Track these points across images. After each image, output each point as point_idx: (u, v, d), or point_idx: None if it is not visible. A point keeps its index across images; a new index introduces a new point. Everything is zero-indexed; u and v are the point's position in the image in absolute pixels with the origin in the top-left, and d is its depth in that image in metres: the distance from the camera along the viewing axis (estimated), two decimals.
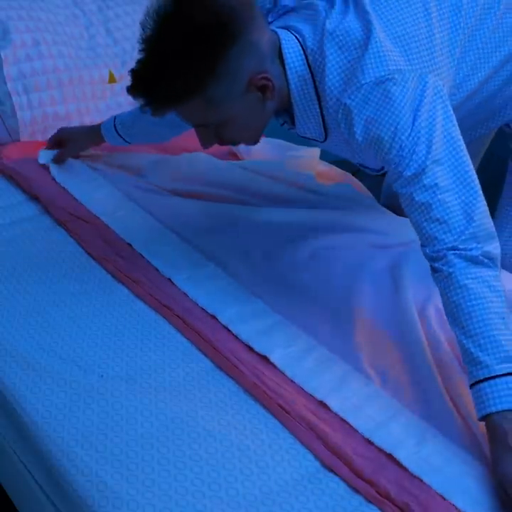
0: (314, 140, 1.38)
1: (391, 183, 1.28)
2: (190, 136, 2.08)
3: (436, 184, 1.20)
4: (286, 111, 1.34)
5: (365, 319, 1.40)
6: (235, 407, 1.21)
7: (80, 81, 2.07)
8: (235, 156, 2.04)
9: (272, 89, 1.23)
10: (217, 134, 1.28)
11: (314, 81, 1.26)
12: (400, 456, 1.12)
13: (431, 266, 1.24)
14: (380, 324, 1.39)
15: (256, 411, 1.20)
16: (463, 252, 1.19)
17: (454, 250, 1.19)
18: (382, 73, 1.21)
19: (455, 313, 1.18)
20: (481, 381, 1.12)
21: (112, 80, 2.12)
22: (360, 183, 1.99)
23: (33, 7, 2.07)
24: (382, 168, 1.34)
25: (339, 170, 2.04)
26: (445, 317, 1.33)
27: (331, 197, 1.80)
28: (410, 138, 1.20)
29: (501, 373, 1.11)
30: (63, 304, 1.44)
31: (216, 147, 2.03)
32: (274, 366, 1.28)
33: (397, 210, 1.81)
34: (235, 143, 1.35)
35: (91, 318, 1.40)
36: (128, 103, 2.19)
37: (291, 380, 1.26)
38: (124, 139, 1.81)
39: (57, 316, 1.40)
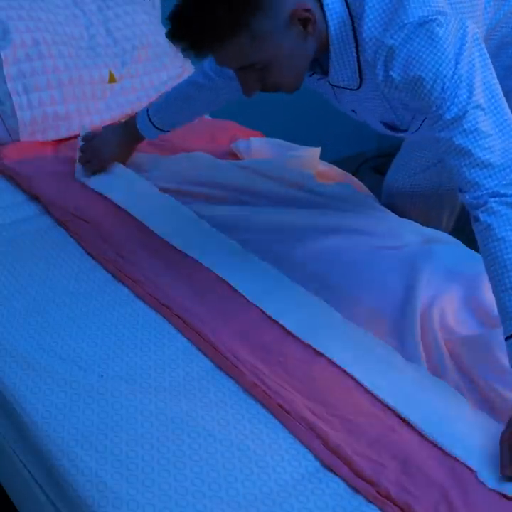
0: (346, 89, 1.35)
1: (431, 126, 1.25)
2: (190, 137, 2.10)
3: (476, 129, 1.19)
4: (317, 60, 1.32)
5: (366, 319, 1.41)
6: (235, 407, 1.21)
7: (80, 81, 2.07)
8: (235, 156, 2.04)
9: (313, 23, 1.21)
10: (260, 77, 1.25)
11: (353, 23, 1.24)
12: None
13: (471, 215, 1.23)
14: (381, 324, 1.39)
15: (256, 411, 1.20)
16: (503, 198, 1.18)
17: (495, 196, 1.18)
18: (426, 14, 1.19)
19: (492, 265, 1.17)
20: None
21: (111, 79, 2.12)
22: (360, 183, 1.99)
23: (33, 7, 2.07)
24: (412, 120, 1.34)
25: (339, 170, 2.04)
26: (447, 319, 1.33)
27: (331, 197, 1.80)
28: (452, 80, 1.18)
29: None
30: (63, 304, 1.44)
31: (216, 147, 2.07)
32: (274, 364, 1.28)
33: (398, 210, 1.82)
34: (277, 88, 1.31)
35: (91, 318, 1.40)
36: (128, 103, 2.19)
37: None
38: (161, 130, 1.79)
39: (57, 316, 1.40)
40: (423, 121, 1.36)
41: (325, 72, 1.35)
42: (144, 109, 1.80)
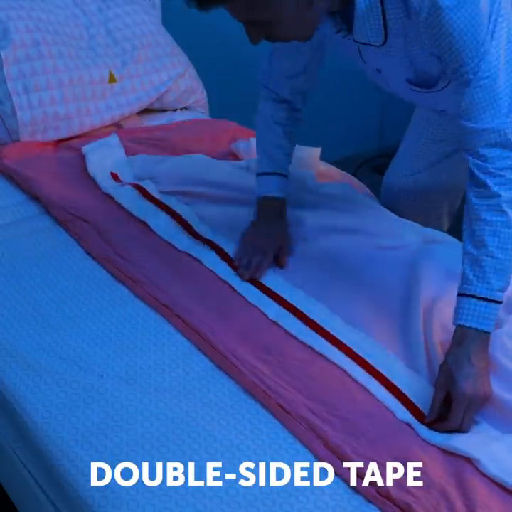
0: (371, 45, 1.35)
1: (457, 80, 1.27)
2: (190, 137, 2.10)
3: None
4: (341, 16, 1.32)
5: (366, 319, 1.40)
6: (235, 407, 1.21)
7: (80, 81, 2.07)
8: (235, 156, 2.04)
9: None
10: (267, 30, 1.26)
11: None
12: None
13: (479, 180, 1.26)
14: (384, 324, 1.39)
15: (256, 411, 1.20)
16: None
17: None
18: None
19: (482, 230, 1.24)
20: (480, 298, 1.22)
21: (112, 80, 2.12)
22: (360, 183, 1.99)
23: (33, 7, 2.07)
24: (440, 76, 1.35)
25: (339, 170, 2.04)
26: (447, 320, 1.33)
27: (331, 197, 1.79)
28: (486, 38, 1.21)
29: (496, 299, 1.23)
30: (63, 304, 1.44)
31: (216, 147, 2.07)
32: (274, 364, 1.28)
33: (397, 210, 1.82)
34: (286, 40, 1.33)
35: (91, 318, 1.40)
36: (128, 103, 2.19)
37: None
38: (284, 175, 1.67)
39: (57, 316, 1.40)
40: (450, 81, 1.36)
41: (349, 29, 1.34)
42: (263, 187, 1.65)
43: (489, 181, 1.25)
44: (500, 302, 1.24)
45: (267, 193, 1.64)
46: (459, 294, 1.26)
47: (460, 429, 1.18)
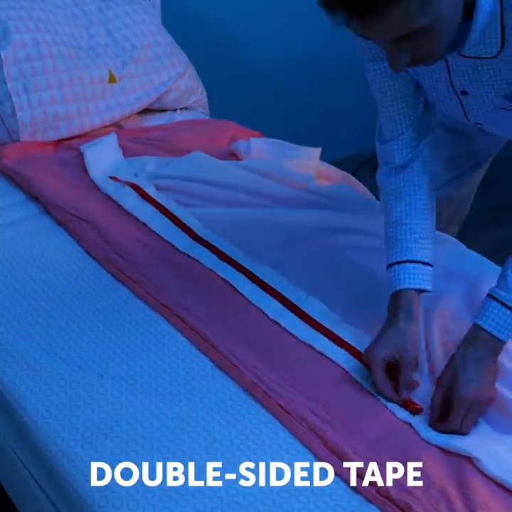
0: (483, 58, 1.22)
1: None
2: (190, 137, 2.10)
3: None
4: None
5: (367, 319, 1.40)
6: (235, 407, 1.21)
7: (80, 81, 2.07)
8: (235, 156, 2.04)
9: None
10: (416, 46, 1.10)
11: None
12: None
13: None
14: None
15: (256, 411, 1.20)
16: None
17: None
18: None
19: None
20: (510, 308, 1.19)
21: (112, 80, 2.12)
22: (360, 184, 1.99)
23: (33, 7, 2.07)
24: None
25: (339, 170, 2.04)
26: (447, 320, 1.33)
27: (331, 197, 1.79)
28: None
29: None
30: (63, 304, 1.44)
31: (216, 147, 2.07)
32: (274, 364, 1.28)
33: None
34: (428, 58, 1.16)
35: (91, 318, 1.40)
36: (128, 103, 2.19)
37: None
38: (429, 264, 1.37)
39: (57, 316, 1.40)
40: None
41: (457, 44, 1.19)
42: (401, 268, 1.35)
43: None
44: None
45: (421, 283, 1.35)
46: (491, 296, 1.22)
47: (460, 431, 1.17)
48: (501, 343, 1.21)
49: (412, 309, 1.31)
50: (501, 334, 1.20)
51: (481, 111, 1.35)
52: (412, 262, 1.33)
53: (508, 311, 1.20)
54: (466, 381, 1.18)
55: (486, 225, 2.81)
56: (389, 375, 1.25)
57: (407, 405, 1.21)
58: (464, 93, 1.32)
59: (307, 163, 1.96)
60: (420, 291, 1.33)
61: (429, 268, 1.35)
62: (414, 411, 1.20)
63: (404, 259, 1.34)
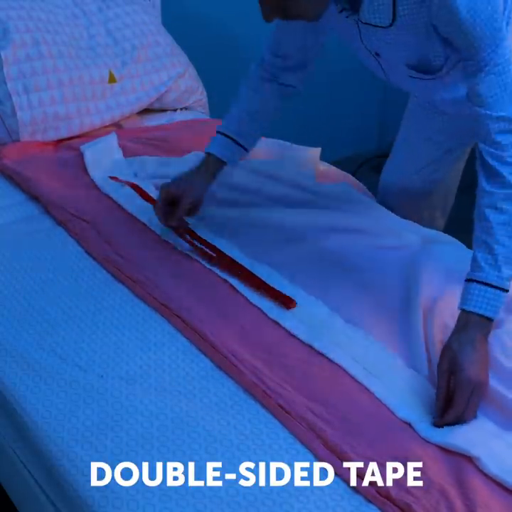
0: (376, 26, 1.34)
1: (465, 68, 1.27)
2: (190, 137, 2.10)
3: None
4: None
5: (367, 319, 1.40)
6: (235, 407, 1.21)
7: (80, 81, 2.07)
8: None
9: None
10: (281, 7, 1.27)
11: None
12: None
13: (492, 169, 1.26)
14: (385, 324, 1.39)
15: (256, 411, 1.20)
16: None
17: None
18: None
19: (497, 219, 1.25)
20: (490, 285, 1.23)
21: (112, 80, 2.12)
22: (360, 184, 1.99)
23: (33, 7, 2.07)
24: (445, 61, 1.35)
25: (339, 170, 2.04)
26: (447, 320, 1.33)
27: (330, 197, 1.80)
28: (502, 25, 1.21)
29: (505, 288, 1.23)
30: (63, 304, 1.44)
31: None
32: (273, 363, 1.28)
33: (393, 209, 1.82)
34: (298, 17, 1.31)
35: (91, 318, 1.40)
36: (128, 103, 2.19)
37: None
38: (243, 147, 1.64)
39: (57, 316, 1.40)
40: (456, 64, 1.35)
41: (355, 9, 1.33)
42: (221, 143, 1.64)
43: (504, 171, 1.26)
44: (507, 291, 1.25)
45: (227, 156, 1.64)
46: (468, 280, 1.26)
47: (465, 416, 1.17)
48: (491, 321, 1.24)
49: (206, 168, 1.62)
50: (489, 312, 1.23)
51: (393, 74, 1.49)
52: (223, 134, 1.64)
53: (489, 288, 1.23)
54: (467, 363, 1.20)
55: None
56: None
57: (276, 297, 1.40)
58: (377, 55, 1.44)
59: (307, 163, 1.96)
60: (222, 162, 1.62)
61: (229, 140, 1.63)
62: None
63: (221, 130, 1.64)
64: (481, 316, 1.23)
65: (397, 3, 1.27)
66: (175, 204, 1.59)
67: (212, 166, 1.64)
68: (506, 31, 1.23)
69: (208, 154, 1.64)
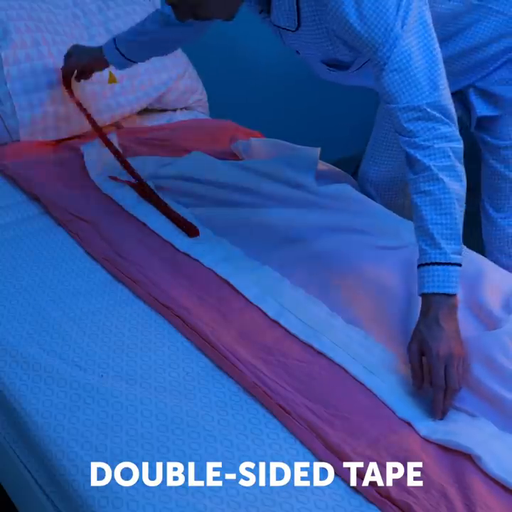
0: (286, 30, 1.43)
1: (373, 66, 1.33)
2: (190, 137, 2.10)
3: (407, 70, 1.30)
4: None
5: (367, 319, 1.41)
6: (235, 407, 1.21)
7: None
8: (235, 156, 2.04)
9: None
10: (193, 10, 1.35)
11: None
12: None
13: (410, 157, 1.31)
14: (384, 323, 1.39)
15: (256, 411, 1.20)
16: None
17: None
18: None
19: (424, 201, 1.29)
20: (436, 263, 1.27)
21: (112, 80, 2.12)
22: (357, 184, 1.99)
23: (33, 7, 2.07)
24: (354, 60, 1.43)
25: (339, 170, 2.04)
26: None
27: (331, 197, 1.79)
28: (396, 20, 1.27)
29: (452, 262, 1.28)
30: (63, 304, 1.44)
31: (216, 147, 2.07)
32: (272, 363, 1.28)
33: (394, 209, 1.83)
34: (209, 19, 1.42)
35: (91, 318, 1.40)
36: (128, 103, 2.19)
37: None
38: (125, 57, 1.87)
39: (57, 316, 1.40)
40: (365, 63, 1.43)
41: (269, 11, 1.42)
42: (113, 38, 1.89)
43: (419, 155, 1.30)
44: (457, 264, 1.28)
45: (109, 55, 1.89)
46: (418, 267, 1.30)
47: (450, 388, 1.21)
48: (452, 297, 1.27)
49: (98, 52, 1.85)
50: (444, 288, 1.26)
51: (315, 68, 1.58)
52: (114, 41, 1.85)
53: (437, 266, 1.27)
54: (435, 341, 1.23)
55: None
56: None
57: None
58: (298, 52, 1.55)
59: (307, 163, 1.96)
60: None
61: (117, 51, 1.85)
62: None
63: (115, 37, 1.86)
64: (439, 294, 1.26)
65: (301, 9, 1.36)
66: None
67: (100, 53, 1.91)
68: (402, 30, 1.27)
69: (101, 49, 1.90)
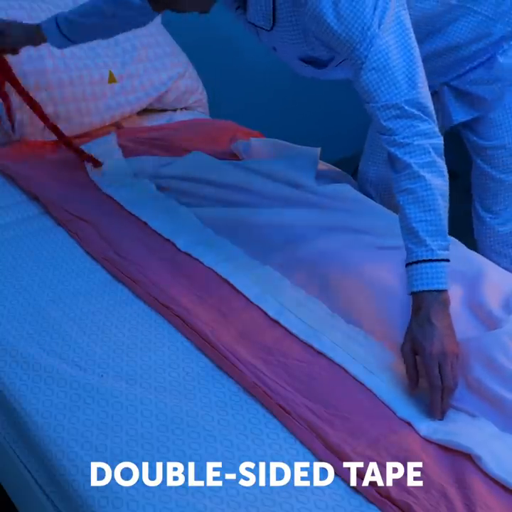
0: (261, 28, 1.44)
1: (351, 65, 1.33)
2: (190, 137, 2.10)
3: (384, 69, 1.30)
4: None
5: (367, 319, 1.41)
6: (235, 407, 1.21)
7: (80, 81, 2.07)
8: (235, 156, 2.04)
9: None
10: (168, 2, 1.37)
11: None
12: None
13: (391, 155, 1.32)
14: (384, 323, 1.39)
15: (256, 411, 1.20)
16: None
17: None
18: None
19: (406, 199, 1.29)
20: (423, 261, 1.27)
21: (112, 80, 2.12)
22: (357, 183, 1.99)
23: (33, 7, 2.07)
24: (331, 59, 1.44)
25: (339, 170, 2.04)
26: None
27: (331, 197, 1.79)
28: (373, 19, 1.27)
29: (439, 258, 1.27)
30: (63, 304, 1.44)
31: (216, 147, 2.07)
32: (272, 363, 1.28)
33: (393, 209, 1.83)
34: (185, 11, 1.42)
35: (91, 318, 1.40)
36: (128, 103, 2.19)
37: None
38: (66, 38, 1.79)
39: (57, 316, 1.40)
40: (342, 61, 1.43)
41: (244, 8, 1.42)
42: (53, 16, 1.80)
43: (399, 153, 1.30)
44: (445, 260, 1.27)
45: (50, 35, 1.79)
46: (406, 267, 1.30)
47: (446, 386, 1.20)
48: (443, 292, 1.26)
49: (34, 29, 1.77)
50: (434, 285, 1.26)
51: (292, 65, 1.58)
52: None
53: (424, 263, 1.26)
54: (427, 340, 1.23)
55: None
56: None
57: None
58: (274, 49, 1.54)
59: (307, 163, 1.95)
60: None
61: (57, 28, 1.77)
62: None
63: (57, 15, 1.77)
64: (429, 291, 1.26)
65: (277, 9, 1.36)
66: None
67: (37, 31, 1.80)
68: (379, 29, 1.27)
69: (39, 27, 1.80)
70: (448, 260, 1.28)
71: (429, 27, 1.58)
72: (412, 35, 1.32)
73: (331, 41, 1.32)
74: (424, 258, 1.27)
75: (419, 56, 1.32)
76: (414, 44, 1.32)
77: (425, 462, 1.11)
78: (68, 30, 1.77)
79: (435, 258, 1.27)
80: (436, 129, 1.32)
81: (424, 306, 1.26)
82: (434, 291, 1.26)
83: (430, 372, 1.21)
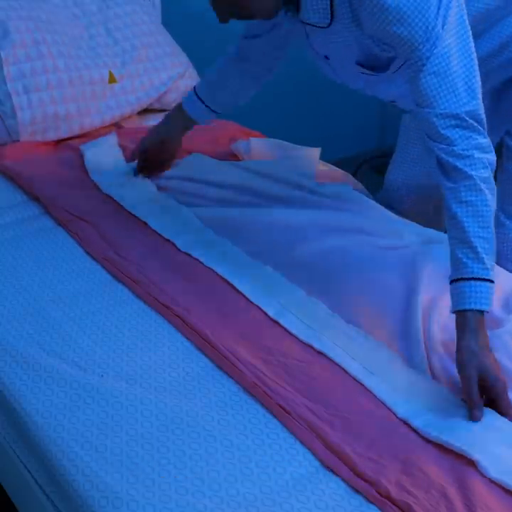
0: (316, 26, 1.38)
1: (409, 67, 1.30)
2: (190, 137, 2.11)
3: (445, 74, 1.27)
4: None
5: (367, 319, 1.41)
6: (235, 407, 1.21)
7: (80, 81, 2.07)
8: (235, 157, 2.04)
9: None
10: (233, 9, 1.33)
11: None
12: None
13: (448, 164, 1.28)
14: (383, 322, 1.39)
15: (256, 411, 1.20)
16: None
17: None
18: None
19: (465, 212, 1.25)
20: (478, 279, 1.23)
21: (112, 80, 2.12)
22: (359, 183, 1.99)
23: (33, 7, 2.07)
24: (391, 61, 1.38)
25: (339, 170, 2.04)
26: (447, 320, 1.33)
27: (331, 197, 1.80)
28: (436, 23, 1.24)
29: (491, 279, 1.24)
30: (63, 304, 1.44)
31: (216, 147, 2.07)
32: (272, 362, 1.28)
33: (393, 205, 1.83)
34: (251, 17, 1.38)
35: (91, 318, 1.40)
36: (128, 103, 2.19)
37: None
38: (211, 109, 1.76)
39: (57, 316, 1.40)
40: (402, 64, 1.38)
41: (297, 9, 1.37)
42: (190, 93, 1.77)
43: (459, 164, 1.27)
44: (493, 281, 1.25)
45: (196, 113, 1.77)
46: (455, 280, 1.25)
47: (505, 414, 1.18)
48: (485, 314, 1.24)
49: (180, 123, 1.78)
50: (486, 305, 1.23)
51: (345, 74, 1.54)
52: (196, 94, 1.75)
53: (479, 282, 1.23)
54: (493, 367, 1.19)
55: None
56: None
57: None
58: (327, 58, 1.50)
59: (307, 163, 1.96)
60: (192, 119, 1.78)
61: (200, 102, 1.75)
62: None
63: (194, 90, 1.76)
64: (480, 311, 1.22)
65: (335, 3, 1.32)
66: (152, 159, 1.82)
67: (184, 121, 1.79)
68: (443, 30, 1.25)
69: (182, 110, 1.77)
70: (493, 281, 1.25)
71: (484, 24, 1.54)
72: (472, 38, 1.29)
73: (391, 39, 1.28)
74: (480, 276, 1.23)
75: (477, 63, 1.29)
76: (474, 49, 1.29)
77: (425, 462, 1.11)
78: (210, 100, 1.75)
79: (488, 278, 1.24)
80: (491, 144, 1.30)
81: (480, 326, 1.22)
82: (482, 311, 1.23)
83: (504, 400, 1.18)
